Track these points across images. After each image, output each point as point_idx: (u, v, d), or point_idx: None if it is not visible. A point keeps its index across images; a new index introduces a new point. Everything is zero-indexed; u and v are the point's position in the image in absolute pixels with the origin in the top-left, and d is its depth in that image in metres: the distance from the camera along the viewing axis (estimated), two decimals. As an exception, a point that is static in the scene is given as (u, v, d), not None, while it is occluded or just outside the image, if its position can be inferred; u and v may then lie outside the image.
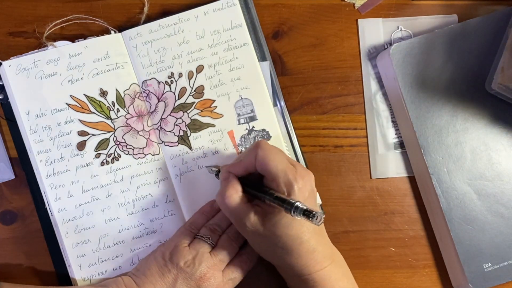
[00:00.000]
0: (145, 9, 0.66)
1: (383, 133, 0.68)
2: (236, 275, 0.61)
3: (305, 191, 0.55)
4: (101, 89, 0.65)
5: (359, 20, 0.69)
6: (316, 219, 0.49)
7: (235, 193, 0.57)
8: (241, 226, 0.57)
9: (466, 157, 0.64)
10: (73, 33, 0.67)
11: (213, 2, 0.67)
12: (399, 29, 0.69)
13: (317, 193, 0.66)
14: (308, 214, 0.50)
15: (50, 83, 0.64)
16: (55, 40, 0.66)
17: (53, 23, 0.66)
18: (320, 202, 0.66)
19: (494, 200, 0.64)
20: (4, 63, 0.64)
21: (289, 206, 0.51)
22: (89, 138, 0.65)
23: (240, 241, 0.62)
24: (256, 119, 0.66)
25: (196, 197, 0.65)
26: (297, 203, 0.51)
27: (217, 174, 0.62)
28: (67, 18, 0.66)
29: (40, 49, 0.65)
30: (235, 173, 0.58)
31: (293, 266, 0.57)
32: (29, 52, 0.65)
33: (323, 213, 0.49)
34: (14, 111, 0.65)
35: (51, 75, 0.65)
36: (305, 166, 0.66)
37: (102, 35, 0.66)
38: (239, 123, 0.66)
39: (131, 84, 0.66)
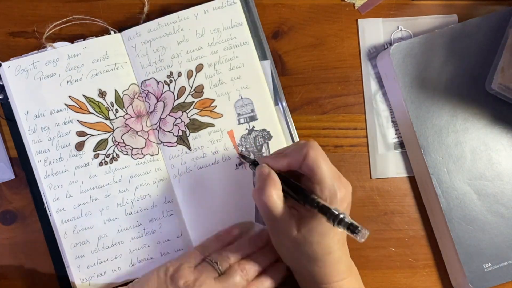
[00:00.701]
0: (145, 9, 0.66)
1: (383, 133, 0.68)
2: None
3: (345, 202, 0.53)
4: (99, 89, 0.65)
5: (359, 20, 0.69)
6: (361, 235, 0.48)
7: (276, 192, 0.54)
8: (272, 225, 0.56)
9: (466, 157, 0.64)
10: (73, 33, 0.67)
11: (213, 0, 0.67)
12: (399, 29, 0.69)
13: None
14: (353, 229, 0.48)
15: (49, 83, 0.64)
16: (54, 41, 0.66)
17: (53, 24, 0.66)
18: (320, 202, 0.66)
19: (494, 200, 0.64)
20: (3, 64, 0.64)
21: (333, 217, 0.49)
22: (87, 138, 0.65)
23: (250, 277, 0.60)
24: (257, 119, 0.66)
25: (195, 198, 0.65)
26: (343, 215, 0.49)
27: (251, 164, 0.60)
28: (67, 19, 0.66)
29: (39, 50, 0.65)
30: (275, 168, 0.56)
31: (315, 273, 0.56)
32: (29, 53, 0.65)
33: (368, 231, 0.48)
34: (13, 111, 0.65)
35: (50, 76, 0.65)
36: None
37: (102, 35, 0.66)
38: (239, 123, 0.66)
39: (130, 85, 0.65)
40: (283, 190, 0.55)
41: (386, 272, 0.67)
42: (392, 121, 0.68)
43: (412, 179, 0.68)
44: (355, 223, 0.48)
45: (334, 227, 0.49)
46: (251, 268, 0.60)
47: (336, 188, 0.52)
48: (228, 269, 0.59)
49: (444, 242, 0.65)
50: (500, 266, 0.63)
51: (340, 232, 0.53)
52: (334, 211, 0.50)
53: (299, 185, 0.55)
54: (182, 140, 0.65)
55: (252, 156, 0.65)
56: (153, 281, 0.59)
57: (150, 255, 0.64)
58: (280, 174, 0.55)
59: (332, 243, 0.54)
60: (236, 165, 0.65)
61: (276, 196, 0.53)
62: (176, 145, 0.65)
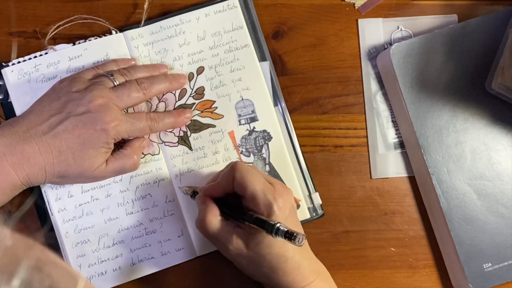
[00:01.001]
0: (145, 9, 0.66)
1: (383, 133, 0.68)
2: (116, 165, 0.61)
3: (285, 209, 0.55)
4: (101, 89, 0.65)
5: (359, 20, 0.69)
6: (298, 240, 0.49)
7: (214, 218, 0.56)
8: (224, 250, 0.57)
9: (466, 157, 0.64)
10: (74, 33, 0.67)
11: (213, 2, 0.67)
12: (399, 29, 0.69)
13: (317, 193, 0.66)
14: (289, 236, 0.49)
15: (50, 86, 0.64)
16: (55, 40, 0.66)
17: (56, 25, 0.66)
18: (320, 202, 0.66)
19: (494, 200, 0.64)
20: (6, 69, 0.65)
21: (270, 228, 0.51)
22: (89, 138, 0.65)
23: (148, 92, 0.61)
24: (257, 120, 0.66)
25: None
26: (278, 225, 0.51)
27: (192, 195, 0.61)
28: (70, 19, 0.66)
29: (41, 52, 0.65)
30: (212, 196, 0.58)
31: (280, 283, 0.56)
32: (31, 55, 0.65)
33: (303, 234, 0.50)
34: (15, 113, 0.64)
35: (51, 78, 0.65)
36: (305, 166, 0.66)
37: (104, 35, 0.66)
38: (240, 124, 0.66)
39: (131, 85, 0.66)
40: (224, 213, 0.57)
41: (386, 272, 0.67)
42: (392, 121, 0.68)
43: (412, 179, 0.68)
44: (290, 230, 0.50)
45: (274, 237, 0.51)
46: (150, 85, 0.62)
47: (270, 200, 0.54)
48: (125, 82, 0.61)
49: (444, 242, 0.65)
50: (500, 266, 0.63)
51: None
52: (270, 222, 0.51)
53: (237, 205, 0.57)
54: (183, 140, 0.65)
55: (252, 157, 0.65)
56: (49, 91, 0.60)
57: (151, 254, 0.64)
58: (220, 199, 0.58)
59: (284, 251, 0.55)
60: (237, 165, 0.65)
61: (215, 221, 0.56)
62: (177, 145, 0.65)
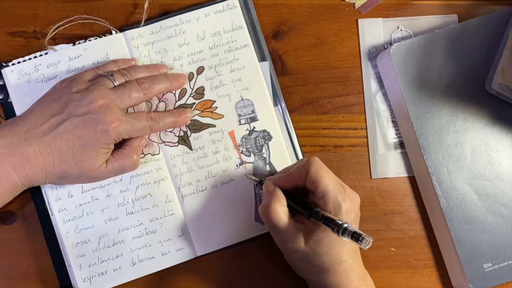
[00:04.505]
0: (145, 9, 0.66)
1: (383, 133, 0.68)
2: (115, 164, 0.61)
3: (351, 213, 0.54)
4: (101, 89, 0.65)
5: (359, 20, 0.69)
6: (366, 242, 0.49)
7: (280, 207, 0.56)
8: (281, 240, 0.57)
9: (466, 157, 0.64)
10: (74, 33, 0.67)
11: (213, 2, 0.67)
12: (399, 29, 0.69)
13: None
14: (357, 236, 0.49)
15: (50, 86, 0.64)
16: (55, 40, 0.66)
17: (56, 25, 0.66)
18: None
19: (494, 200, 0.64)
20: (6, 69, 0.65)
21: (337, 227, 0.50)
22: (89, 138, 0.65)
23: (148, 92, 0.61)
24: (257, 120, 0.66)
25: (196, 197, 0.65)
26: (346, 225, 0.50)
27: (258, 184, 0.61)
28: (70, 19, 0.66)
29: (41, 52, 0.65)
30: (281, 187, 0.57)
31: (327, 284, 0.56)
32: (31, 55, 0.65)
33: (371, 237, 0.49)
34: (15, 113, 0.65)
35: (51, 78, 0.65)
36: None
37: (104, 35, 0.66)
38: (240, 124, 0.66)
39: (131, 85, 0.66)
40: (289, 206, 0.56)
41: (386, 272, 0.67)
42: (392, 121, 0.68)
43: (412, 179, 0.68)
44: (358, 231, 0.49)
45: (339, 237, 0.50)
46: (150, 85, 0.62)
47: (340, 200, 0.54)
48: (125, 82, 0.61)
49: (444, 242, 0.65)
50: (500, 266, 0.63)
51: (350, 243, 0.54)
52: (338, 221, 0.51)
53: (304, 200, 0.56)
54: (184, 140, 0.65)
55: (253, 157, 0.65)
56: (49, 92, 0.60)
57: (151, 254, 0.64)
58: (286, 191, 0.57)
59: (341, 253, 0.55)
60: (237, 165, 0.65)
61: (281, 210, 0.55)
62: (177, 145, 0.65)
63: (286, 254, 0.59)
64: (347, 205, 0.54)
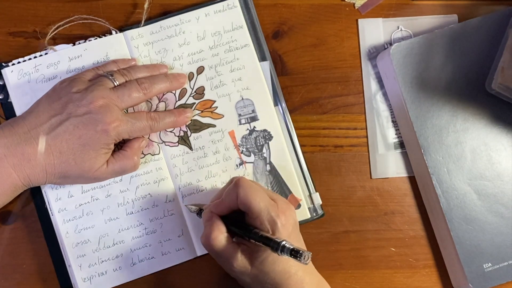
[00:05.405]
0: (145, 9, 0.66)
1: (383, 133, 0.68)
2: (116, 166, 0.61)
3: (288, 226, 0.54)
4: (101, 89, 0.65)
5: (359, 20, 0.69)
6: (304, 258, 0.49)
7: (220, 234, 0.55)
8: (228, 267, 0.57)
9: (466, 157, 0.64)
10: (74, 33, 0.67)
11: (213, 2, 0.67)
12: (399, 29, 0.69)
13: (317, 193, 0.66)
14: (295, 253, 0.49)
15: (50, 86, 0.64)
16: (55, 40, 0.66)
17: (56, 25, 0.66)
18: (320, 202, 0.66)
19: (494, 200, 0.64)
20: (6, 69, 0.65)
21: (276, 245, 0.51)
22: (89, 138, 0.65)
23: (149, 92, 0.61)
24: (258, 120, 0.66)
25: (196, 197, 0.65)
26: (283, 243, 0.50)
27: (198, 213, 0.61)
28: (70, 19, 0.66)
29: (41, 52, 0.65)
30: (217, 213, 0.57)
31: None
32: (31, 55, 0.65)
33: (309, 252, 0.49)
34: (15, 113, 0.64)
35: (51, 78, 0.65)
36: (305, 166, 0.66)
37: (104, 35, 0.66)
38: (240, 123, 0.66)
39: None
40: (230, 230, 0.56)
41: (386, 272, 0.67)
42: (392, 121, 0.68)
43: (412, 179, 0.68)
44: (296, 247, 0.49)
45: (279, 255, 0.50)
46: (150, 85, 0.62)
47: (274, 217, 0.54)
48: (125, 82, 0.61)
49: (444, 242, 0.65)
50: (500, 266, 0.63)
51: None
52: (276, 239, 0.51)
53: (242, 223, 0.56)
54: (184, 140, 0.65)
55: (253, 157, 0.65)
56: (49, 92, 0.61)
57: (151, 254, 0.64)
58: (225, 216, 0.57)
59: (287, 267, 0.55)
60: (237, 165, 0.65)
61: (221, 238, 0.55)
62: (177, 145, 0.65)
63: (238, 278, 0.58)
64: (281, 220, 0.54)
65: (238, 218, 0.57)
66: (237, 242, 0.56)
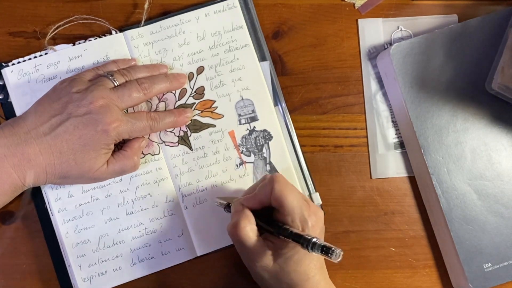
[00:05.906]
0: (145, 9, 0.66)
1: (383, 133, 0.68)
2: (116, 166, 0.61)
3: (317, 228, 0.55)
4: (101, 89, 0.65)
5: (359, 20, 0.69)
6: (335, 255, 0.48)
7: (249, 224, 0.55)
8: (250, 258, 0.56)
9: (466, 157, 0.64)
10: (74, 33, 0.67)
11: (213, 2, 0.67)
12: (399, 29, 0.69)
13: (317, 193, 0.66)
14: (327, 250, 0.49)
15: (50, 86, 0.64)
16: (55, 40, 0.66)
17: (56, 25, 0.66)
18: (320, 202, 0.66)
19: (494, 200, 0.64)
20: (6, 69, 0.65)
21: (306, 242, 0.50)
22: (89, 138, 0.65)
23: (149, 92, 0.62)
24: (257, 120, 0.66)
25: (196, 197, 0.65)
26: (315, 239, 0.50)
27: (225, 207, 0.61)
28: (70, 19, 0.66)
29: (41, 52, 0.65)
30: (248, 207, 0.57)
31: None
32: (31, 55, 0.65)
33: (341, 249, 0.49)
34: (15, 113, 0.65)
35: (51, 78, 0.65)
36: (305, 166, 0.66)
37: (104, 35, 0.66)
38: (240, 123, 0.66)
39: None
40: (258, 225, 0.56)
41: (386, 272, 0.67)
42: (392, 121, 0.68)
43: (412, 179, 0.68)
44: (328, 244, 0.49)
45: (309, 252, 0.50)
46: (150, 85, 0.62)
47: (306, 216, 0.54)
48: (126, 82, 0.61)
49: (444, 242, 0.65)
50: (500, 266, 0.63)
51: (316, 258, 0.55)
52: (307, 236, 0.51)
53: (272, 219, 0.56)
54: (184, 140, 0.65)
55: (253, 157, 0.65)
56: (49, 92, 0.61)
57: (151, 254, 0.64)
58: (253, 211, 0.57)
59: (308, 269, 0.55)
60: (237, 165, 0.65)
61: (249, 228, 0.55)
62: (177, 145, 0.65)
63: (254, 272, 0.58)
64: (312, 221, 0.54)
65: (266, 217, 0.57)
66: (263, 237, 0.56)
